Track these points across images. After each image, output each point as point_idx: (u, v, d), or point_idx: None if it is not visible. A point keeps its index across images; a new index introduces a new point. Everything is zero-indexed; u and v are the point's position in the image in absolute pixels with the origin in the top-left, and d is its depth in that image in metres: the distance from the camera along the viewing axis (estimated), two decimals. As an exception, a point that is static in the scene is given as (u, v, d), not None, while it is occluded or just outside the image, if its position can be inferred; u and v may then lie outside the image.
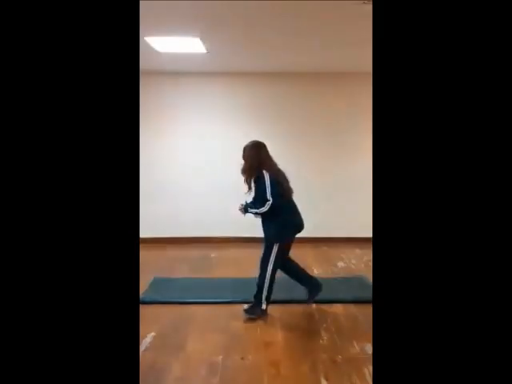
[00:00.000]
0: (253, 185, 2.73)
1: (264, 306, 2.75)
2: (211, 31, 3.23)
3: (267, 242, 2.76)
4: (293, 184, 5.10)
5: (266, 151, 2.76)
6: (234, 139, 5.00)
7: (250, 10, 2.73)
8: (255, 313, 2.74)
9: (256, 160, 2.69)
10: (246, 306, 2.79)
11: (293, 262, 2.96)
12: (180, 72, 4.71)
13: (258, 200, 2.66)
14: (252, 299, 2.79)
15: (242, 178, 2.79)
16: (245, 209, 2.74)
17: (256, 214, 2.71)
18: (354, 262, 4.14)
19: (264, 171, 2.64)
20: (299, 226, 2.81)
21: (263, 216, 2.74)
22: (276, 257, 2.72)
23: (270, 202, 2.59)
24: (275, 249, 2.71)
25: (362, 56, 4.02)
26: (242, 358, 2.20)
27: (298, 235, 5.28)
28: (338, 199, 4.87)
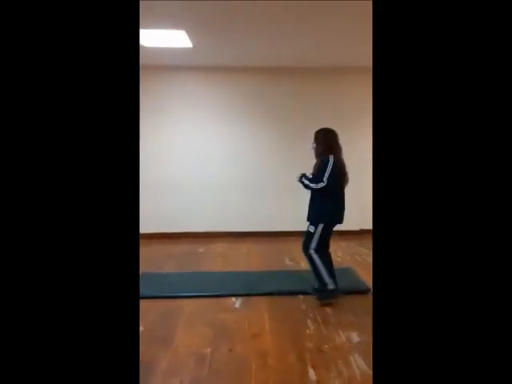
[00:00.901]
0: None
1: (332, 286, 2.86)
2: (197, 24, 3.21)
3: (311, 223, 2.90)
4: (278, 177, 5.16)
5: (337, 139, 2.94)
6: (221, 134, 5.01)
7: (237, 2, 2.73)
8: (328, 296, 2.86)
9: (325, 144, 2.88)
10: (315, 291, 2.93)
11: (329, 256, 3.01)
12: (166, 66, 4.67)
13: (316, 178, 2.83)
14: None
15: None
16: (300, 177, 2.90)
17: (306, 186, 2.88)
18: (339, 254, 4.21)
19: (330, 156, 2.82)
20: (341, 216, 2.96)
21: (313, 196, 2.93)
22: (318, 240, 2.87)
23: (323, 185, 2.78)
24: (318, 231, 2.86)
25: (357, 50, 4.03)
26: (230, 350, 2.22)
27: (283, 229, 5.30)
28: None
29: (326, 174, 2.76)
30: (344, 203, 2.96)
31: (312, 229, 2.88)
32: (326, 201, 2.86)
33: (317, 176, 2.82)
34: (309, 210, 2.96)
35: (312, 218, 2.92)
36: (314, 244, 2.87)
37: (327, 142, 2.89)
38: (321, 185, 2.78)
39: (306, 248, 2.91)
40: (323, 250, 2.96)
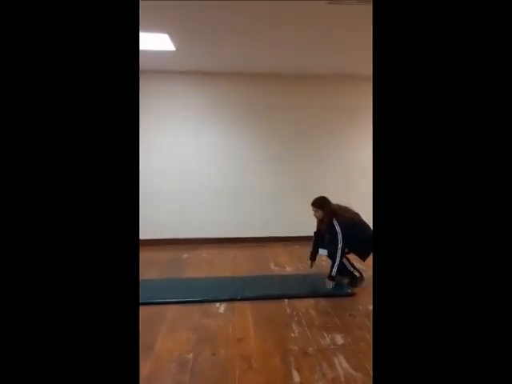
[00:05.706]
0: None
1: (358, 273, 3.33)
2: (180, 27, 3.21)
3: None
4: (264, 183, 5.15)
5: (330, 201, 3.35)
6: (205, 140, 4.99)
7: (221, 4, 2.74)
8: (357, 284, 3.28)
9: (327, 210, 3.28)
10: (346, 282, 3.33)
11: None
12: (149, 70, 4.64)
13: (334, 245, 3.20)
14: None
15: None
16: (335, 274, 3.21)
17: (342, 253, 3.21)
18: (324, 259, 4.20)
19: (334, 221, 3.21)
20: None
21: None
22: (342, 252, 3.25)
23: (340, 246, 3.18)
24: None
25: (340, 58, 4.09)
26: (214, 354, 2.17)
27: (269, 234, 5.29)
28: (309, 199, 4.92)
29: (340, 239, 3.15)
30: (366, 226, 3.30)
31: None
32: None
33: (333, 241, 3.22)
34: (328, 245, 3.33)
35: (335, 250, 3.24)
36: (339, 252, 3.19)
37: (328, 207, 3.27)
38: (339, 248, 3.16)
39: (333, 254, 3.25)
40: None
